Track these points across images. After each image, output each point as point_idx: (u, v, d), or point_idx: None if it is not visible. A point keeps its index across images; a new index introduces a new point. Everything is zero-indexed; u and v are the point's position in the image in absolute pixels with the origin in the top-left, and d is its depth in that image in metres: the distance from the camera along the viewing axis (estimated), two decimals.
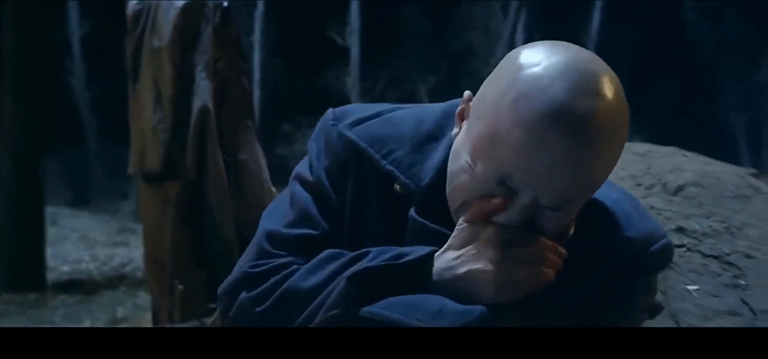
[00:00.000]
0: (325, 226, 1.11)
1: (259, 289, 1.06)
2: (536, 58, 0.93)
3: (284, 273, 1.07)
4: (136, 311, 4.99)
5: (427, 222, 1.06)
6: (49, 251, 6.97)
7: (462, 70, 11.70)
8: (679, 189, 1.59)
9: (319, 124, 1.16)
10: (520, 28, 11.46)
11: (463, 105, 1.03)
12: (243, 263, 1.12)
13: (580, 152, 0.91)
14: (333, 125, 1.12)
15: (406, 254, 1.04)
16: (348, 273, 1.02)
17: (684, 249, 1.44)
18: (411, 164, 1.09)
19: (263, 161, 2.87)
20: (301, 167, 1.17)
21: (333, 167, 1.11)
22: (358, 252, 1.06)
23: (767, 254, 1.41)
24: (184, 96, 2.75)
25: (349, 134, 1.09)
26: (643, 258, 1.04)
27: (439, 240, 1.04)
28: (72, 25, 11.37)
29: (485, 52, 11.69)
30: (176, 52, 2.76)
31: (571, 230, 1.01)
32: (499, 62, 1.05)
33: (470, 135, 0.99)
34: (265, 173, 2.86)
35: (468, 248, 1.01)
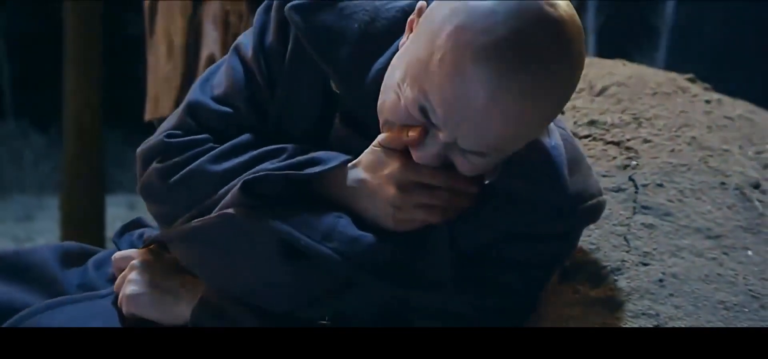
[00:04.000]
0: (251, 108, 1.05)
1: (170, 162, 1.04)
2: None
3: (197, 150, 1.03)
4: None
5: (350, 131, 1.01)
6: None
7: None
8: (604, 90, 1.61)
9: None
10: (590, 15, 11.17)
11: (414, 16, 0.95)
12: (163, 127, 1.10)
13: (512, 105, 0.83)
14: (283, 1, 1.03)
15: (315, 162, 0.98)
16: (245, 176, 0.97)
17: (589, 138, 1.47)
18: (352, 65, 1.00)
19: None
20: (245, 37, 1.09)
21: (273, 48, 1.04)
22: (274, 148, 1.01)
23: (665, 138, 1.41)
24: (194, 46, 2.94)
25: (295, 18, 1.01)
26: (570, 214, 0.99)
27: (360, 151, 0.99)
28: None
29: None
30: (187, 5, 2.95)
31: (495, 174, 0.95)
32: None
33: (408, 52, 0.91)
34: None
35: (372, 174, 0.95)
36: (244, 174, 0.99)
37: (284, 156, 1.01)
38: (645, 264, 1.15)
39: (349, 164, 0.99)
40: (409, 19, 0.97)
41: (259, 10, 1.08)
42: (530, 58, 0.83)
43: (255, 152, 1.02)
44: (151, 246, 1.14)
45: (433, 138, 0.90)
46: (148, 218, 1.29)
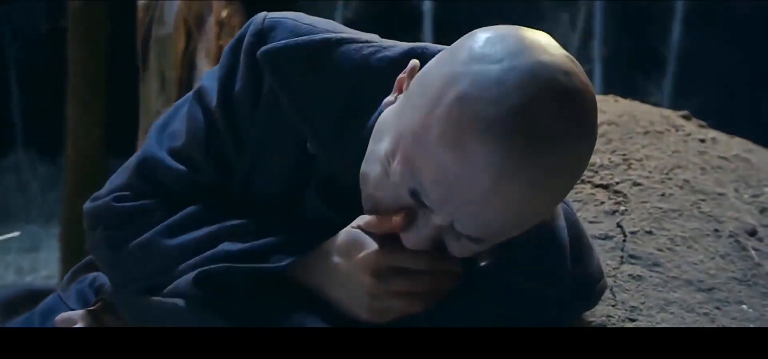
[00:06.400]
0: (213, 164, 0.94)
1: (117, 231, 0.95)
2: (498, 54, 0.74)
3: (146, 220, 0.93)
4: None
5: (325, 207, 0.91)
6: None
7: None
8: None
9: (242, 30, 0.95)
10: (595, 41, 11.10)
11: (405, 75, 0.85)
12: (112, 184, 0.99)
13: (520, 189, 0.74)
14: (254, 42, 0.91)
15: (281, 247, 0.87)
16: (200, 267, 0.87)
17: (578, 182, 1.41)
18: (334, 130, 0.89)
19: None
20: (209, 80, 0.96)
21: (242, 97, 0.92)
22: (233, 224, 0.90)
23: (656, 181, 1.35)
24: (187, 79, 2.91)
25: (268, 64, 0.89)
26: (568, 308, 0.93)
27: (336, 224, 0.89)
28: None
29: None
30: (179, 40, 2.93)
31: (489, 257, 0.86)
32: None
33: (399, 120, 0.81)
34: None
35: (346, 260, 0.85)
36: (200, 261, 0.89)
37: (246, 235, 0.89)
38: (632, 320, 1.09)
39: (322, 247, 0.88)
40: (399, 78, 0.87)
41: (226, 48, 0.95)
42: (542, 138, 0.73)
43: (211, 229, 0.90)
44: (97, 306, 1.06)
45: (425, 220, 0.80)
46: None
